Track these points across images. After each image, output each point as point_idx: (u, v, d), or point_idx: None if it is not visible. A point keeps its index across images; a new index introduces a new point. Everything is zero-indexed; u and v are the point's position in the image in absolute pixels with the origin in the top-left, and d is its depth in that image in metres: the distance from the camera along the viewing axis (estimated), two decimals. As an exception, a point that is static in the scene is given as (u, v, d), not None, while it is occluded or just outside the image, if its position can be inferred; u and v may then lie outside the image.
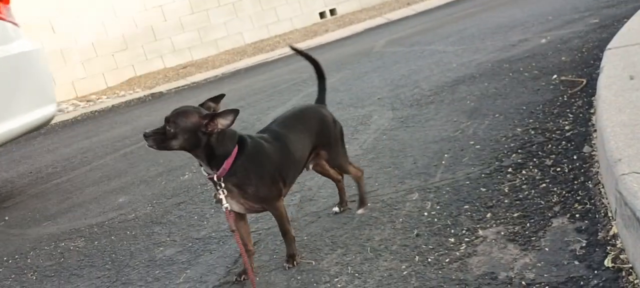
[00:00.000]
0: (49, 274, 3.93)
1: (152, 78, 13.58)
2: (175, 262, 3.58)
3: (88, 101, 12.75)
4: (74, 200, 5.56)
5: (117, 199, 5.24)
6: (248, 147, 2.93)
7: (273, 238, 3.52)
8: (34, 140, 9.77)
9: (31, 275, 3.98)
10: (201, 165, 2.94)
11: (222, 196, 2.85)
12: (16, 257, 4.41)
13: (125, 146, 7.42)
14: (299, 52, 3.69)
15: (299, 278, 3.02)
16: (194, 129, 2.79)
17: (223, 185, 2.85)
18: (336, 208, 3.68)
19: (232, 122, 2.81)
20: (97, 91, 13.65)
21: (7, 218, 5.52)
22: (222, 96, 3.00)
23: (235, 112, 2.80)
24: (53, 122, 11.16)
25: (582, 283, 2.37)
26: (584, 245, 2.63)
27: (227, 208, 2.88)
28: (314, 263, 3.14)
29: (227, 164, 2.85)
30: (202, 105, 2.93)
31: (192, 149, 2.84)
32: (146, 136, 2.81)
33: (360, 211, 3.58)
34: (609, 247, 2.55)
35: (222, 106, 2.97)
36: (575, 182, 3.23)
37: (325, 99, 3.57)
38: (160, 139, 2.80)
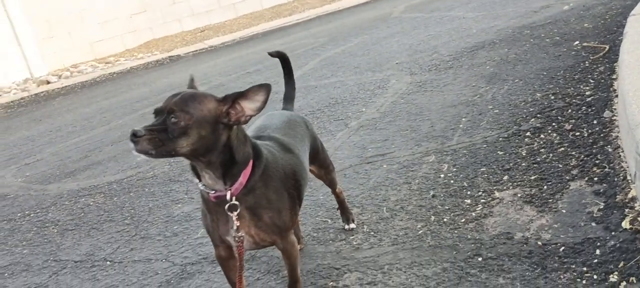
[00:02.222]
0: (70, 228, 4.00)
1: (169, 41, 13.59)
2: (193, 218, 3.63)
3: (106, 63, 12.81)
4: (93, 158, 5.63)
5: (135, 158, 5.27)
6: (264, 155, 2.17)
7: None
8: (54, 100, 9.87)
9: (52, 229, 4.06)
10: (202, 179, 2.08)
11: (236, 220, 2.08)
12: (38, 211, 4.49)
13: (143, 107, 7.47)
14: (273, 55, 2.85)
15: (315, 235, 3.04)
16: (213, 119, 1.97)
17: (238, 205, 2.08)
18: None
19: (265, 104, 2.01)
20: (115, 53, 13.69)
21: (28, 174, 5.60)
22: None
23: (266, 89, 1.99)
24: (72, 83, 11.27)
25: (598, 244, 2.37)
26: (601, 207, 2.62)
27: (241, 238, 2.11)
28: (330, 221, 3.17)
29: (244, 177, 2.07)
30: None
31: (206, 153, 1.98)
32: (136, 136, 1.87)
33: (352, 226, 3.02)
34: (627, 210, 2.53)
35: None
36: (595, 146, 3.20)
37: (293, 104, 2.90)
38: (160, 140, 1.89)
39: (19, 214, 4.50)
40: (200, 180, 2.09)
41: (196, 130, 1.92)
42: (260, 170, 2.12)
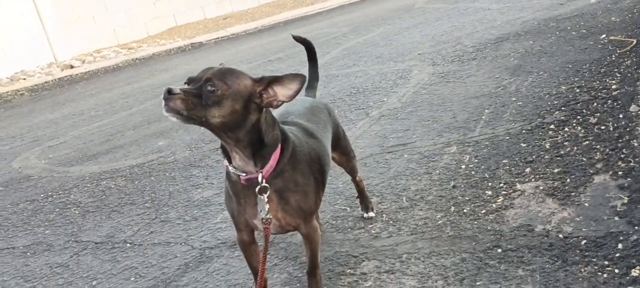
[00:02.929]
0: (91, 210, 4.04)
1: (192, 28, 13.66)
2: (213, 203, 3.64)
3: (129, 49, 12.90)
4: (115, 142, 5.68)
5: (156, 143, 5.33)
6: (292, 139, 2.18)
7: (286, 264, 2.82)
8: (77, 85, 9.98)
9: (74, 210, 4.10)
10: (232, 161, 2.08)
11: (266, 202, 2.08)
12: (60, 193, 4.54)
13: (165, 93, 7.51)
14: (298, 40, 2.83)
15: (333, 223, 3.04)
16: (247, 95, 1.97)
17: (269, 188, 2.08)
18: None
19: (297, 93, 2.01)
20: (138, 39, 13.80)
21: (51, 156, 5.67)
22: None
23: (301, 79, 2.00)
24: (95, 67, 11.37)
25: (621, 238, 2.33)
26: (625, 201, 2.58)
27: (269, 219, 2.11)
28: (348, 209, 3.16)
29: (273, 160, 2.08)
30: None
31: (235, 129, 1.98)
32: (171, 93, 1.86)
33: (371, 214, 3.03)
34: (651, 205, 2.49)
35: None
36: (620, 140, 3.15)
37: (316, 90, 2.90)
38: (193, 103, 1.88)
39: (41, 195, 4.56)
40: (230, 163, 2.08)
41: (230, 102, 1.92)
42: (288, 154, 2.13)
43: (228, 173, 2.13)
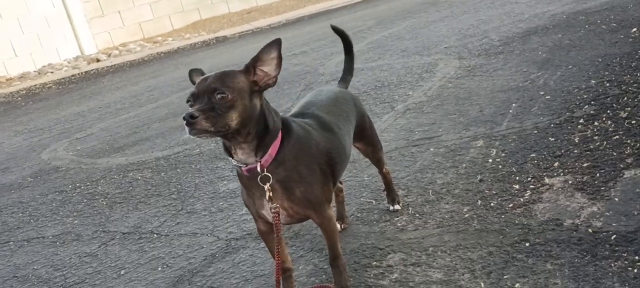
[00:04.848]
0: (118, 201, 4.09)
1: (216, 22, 13.72)
2: (238, 195, 3.66)
3: (154, 42, 13.01)
4: (141, 135, 5.74)
5: (182, 135, 5.37)
6: (295, 130, 2.20)
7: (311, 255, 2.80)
8: (103, 78, 10.09)
9: (102, 201, 4.16)
10: (234, 156, 2.12)
11: (268, 192, 2.12)
12: (88, 184, 4.61)
13: (189, 85, 7.55)
14: (336, 31, 2.92)
15: (359, 216, 3.03)
16: (248, 88, 2.04)
17: (270, 177, 2.11)
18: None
19: (280, 59, 2.09)
20: (163, 33, 13.90)
21: (78, 148, 5.75)
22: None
23: (275, 45, 2.09)
24: (121, 61, 11.49)
25: (653, 234, 2.29)
26: (657, 197, 2.53)
27: (276, 208, 2.15)
28: (374, 202, 3.15)
29: (273, 149, 2.10)
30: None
31: (248, 123, 2.02)
32: (194, 118, 1.90)
33: (397, 207, 3.00)
34: (684, 200, 2.44)
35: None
36: (651, 134, 3.10)
37: (349, 83, 2.94)
38: (213, 117, 1.92)
39: (70, 186, 4.63)
40: (232, 157, 2.14)
41: (240, 101, 1.98)
42: (290, 144, 2.16)
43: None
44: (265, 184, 2.11)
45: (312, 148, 2.24)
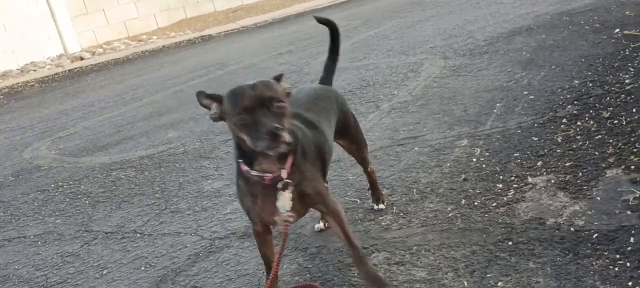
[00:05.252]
0: (101, 200, 4.06)
1: (202, 21, 13.67)
2: (223, 194, 3.65)
3: (139, 41, 12.94)
4: (125, 133, 5.70)
5: (166, 134, 5.34)
6: (296, 132, 2.19)
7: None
8: (87, 76, 10.01)
9: (84, 200, 4.12)
10: (259, 164, 2.07)
11: (288, 199, 2.09)
12: (70, 183, 4.56)
13: (175, 85, 7.53)
14: (320, 21, 2.90)
15: (343, 214, 3.03)
16: (285, 95, 2.06)
17: (291, 183, 2.10)
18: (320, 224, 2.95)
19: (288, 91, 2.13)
20: (148, 31, 13.82)
21: (61, 147, 5.70)
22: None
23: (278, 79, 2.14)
24: (105, 59, 11.41)
25: (633, 232, 2.31)
26: (637, 196, 2.55)
27: (291, 216, 2.13)
28: (358, 201, 3.15)
29: (291, 155, 2.12)
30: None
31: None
32: (276, 134, 1.86)
33: (381, 207, 3.00)
34: (665, 199, 2.47)
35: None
36: (633, 134, 3.12)
37: (332, 80, 2.87)
38: (284, 127, 1.92)
39: (52, 185, 4.59)
40: (251, 168, 2.07)
41: (289, 108, 2.01)
42: (299, 147, 2.16)
43: (245, 175, 2.12)
44: (286, 190, 2.07)
45: (310, 147, 2.27)
